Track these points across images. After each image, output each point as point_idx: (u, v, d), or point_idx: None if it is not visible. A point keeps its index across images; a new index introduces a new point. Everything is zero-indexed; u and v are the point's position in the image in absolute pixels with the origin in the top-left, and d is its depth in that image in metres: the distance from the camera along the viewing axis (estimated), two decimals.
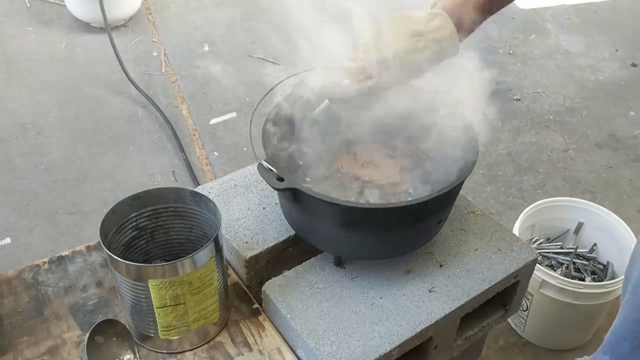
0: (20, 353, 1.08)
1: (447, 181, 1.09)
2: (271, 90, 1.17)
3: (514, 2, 1.07)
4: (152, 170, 2.34)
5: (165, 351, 1.09)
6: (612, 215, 1.78)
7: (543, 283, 1.63)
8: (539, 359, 1.78)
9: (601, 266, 1.82)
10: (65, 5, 3.16)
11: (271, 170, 1.05)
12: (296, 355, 1.10)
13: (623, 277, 1.60)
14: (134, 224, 1.11)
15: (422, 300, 1.13)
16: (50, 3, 3.33)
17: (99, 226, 1.02)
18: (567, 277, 1.70)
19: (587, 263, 1.82)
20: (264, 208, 1.29)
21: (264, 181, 1.06)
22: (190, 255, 0.99)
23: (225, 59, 2.96)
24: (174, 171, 2.34)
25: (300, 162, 1.22)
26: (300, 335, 1.07)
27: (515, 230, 1.69)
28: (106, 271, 1.22)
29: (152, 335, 1.07)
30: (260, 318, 1.15)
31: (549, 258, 1.83)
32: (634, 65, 3.09)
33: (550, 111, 2.75)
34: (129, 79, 2.72)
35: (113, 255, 0.98)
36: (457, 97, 1.15)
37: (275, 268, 1.21)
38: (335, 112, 1.19)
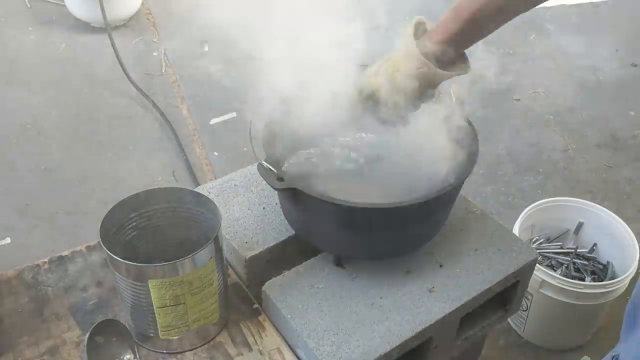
0: (20, 353, 1.08)
1: (447, 181, 1.09)
2: (271, 90, 1.17)
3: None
4: (152, 170, 2.34)
5: (165, 351, 1.09)
6: (612, 215, 1.78)
7: (543, 283, 1.63)
8: (539, 359, 1.78)
9: (601, 266, 1.82)
10: (65, 5, 3.16)
11: (271, 170, 1.05)
12: (296, 355, 1.10)
13: (623, 277, 1.61)
14: (134, 224, 1.11)
15: (422, 300, 1.13)
16: (50, 3, 3.33)
17: (99, 226, 1.02)
18: (567, 277, 1.70)
19: (587, 263, 1.82)
20: (264, 208, 1.29)
21: (264, 181, 1.06)
22: (190, 255, 0.99)
23: (226, 59, 2.96)
24: (174, 171, 2.34)
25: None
26: (300, 335, 1.07)
27: (515, 230, 1.69)
28: (106, 271, 1.22)
29: (152, 335, 1.07)
30: (260, 318, 1.15)
31: (549, 258, 1.83)
32: (634, 65, 3.09)
33: (550, 111, 2.75)
34: (129, 79, 2.72)
35: (113, 255, 0.98)
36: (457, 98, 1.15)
37: (275, 268, 1.21)
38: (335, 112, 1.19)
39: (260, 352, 1.10)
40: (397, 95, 1.07)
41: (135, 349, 1.08)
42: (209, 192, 1.32)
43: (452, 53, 1.04)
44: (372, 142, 1.27)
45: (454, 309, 1.13)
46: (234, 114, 2.61)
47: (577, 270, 1.81)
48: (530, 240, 1.86)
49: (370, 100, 1.11)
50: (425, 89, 1.08)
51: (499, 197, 2.29)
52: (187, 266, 0.99)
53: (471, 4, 0.98)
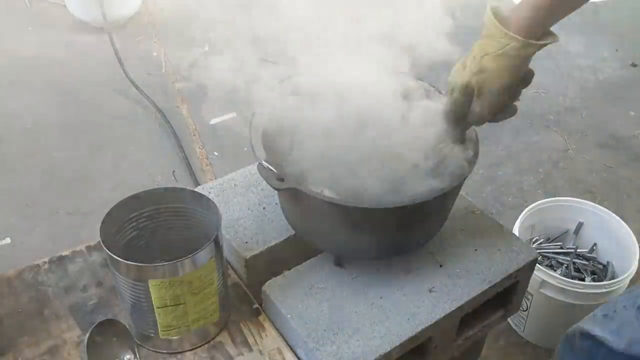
0: (20, 353, 1.08)
1: (447, 181, 1.09)
2: (271, 90, 1.17)
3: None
4: (152, 170, 2.34)
5: (165, 351, 1.09)
6: (612, 215, 1.78)
7: (543, 283, 1.63)
8: (539, 359, 1.78)
9: (601, 266, 1.82)
10: (65, 5, 3.16)
11: (271, 170, 1.05)
12: (296, 355, 1.10)
13: (623, 277, 1.61)
14: (134, 224, 1.11)
15: (422, 300, 1.13)
16: (50, 3, 3.33)
17: (99, 226, 1.02)
18: (567, 277, 1.70)
19: (587, 263, 1.82)
20: (264, 208, 1.29)
21: (264, 181, 1.06)
22: (190, 255, 0.99)
23: (226, 59, 2.96)
24: (174, 171, 2.34)
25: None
26: (300, 335, 1.07)
27: (515, 230, 1.69)
28: (106, 271, 1.22)
29: (152, 335, 1.07)
30: (260, 318, 1.15)
31: (549, 258, 1.83)
32: (634, 65, 3.09)
33: (550, 111, 2.75)
34: (129, 79, 2.73)
35: (113, 255, 0.98)
36: None
37: (275, 268, 1.21)
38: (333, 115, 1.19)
39: (260, 352, 1.10)
40: (490, 82, 1.01)
41: (135, 349, 1.08)
42: (209, 192, 1.32)
43: (538, 25, 0.97)
44: (372, 142, 1.27)
45: (454, 309, 1.13)
46: (234, 114, 2.61)
47: (577, 270, 1.81)
48: (530, 240, 1.86)
49: (464, 97, 1.06)
50: (517, 70, 1.02)
51: (499, 197, 2.29)
52: (187, 266, 0.99)
53: None
